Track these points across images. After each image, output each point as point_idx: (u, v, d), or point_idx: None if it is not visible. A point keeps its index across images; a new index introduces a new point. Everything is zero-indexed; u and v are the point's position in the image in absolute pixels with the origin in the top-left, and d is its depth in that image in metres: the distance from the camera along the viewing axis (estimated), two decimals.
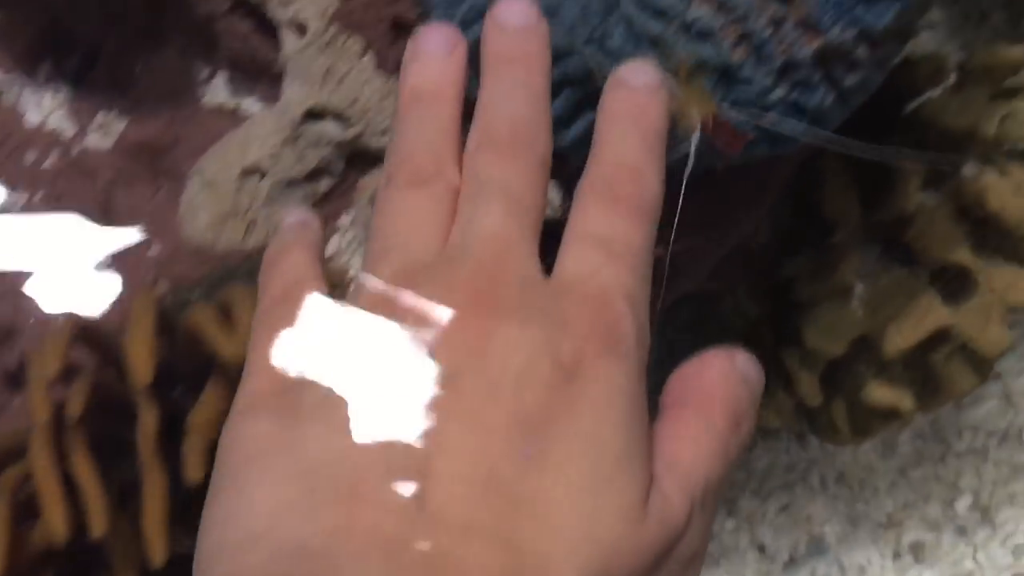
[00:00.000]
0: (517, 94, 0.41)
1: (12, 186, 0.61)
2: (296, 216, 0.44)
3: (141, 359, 0.47)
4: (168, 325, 0.50)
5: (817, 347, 0.66)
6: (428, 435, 0.32)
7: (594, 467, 0.33)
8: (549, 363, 0.34)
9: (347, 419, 0.33)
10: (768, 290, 0.70)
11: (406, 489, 0.31)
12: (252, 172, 0.58)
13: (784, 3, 0.49)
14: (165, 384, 0.51)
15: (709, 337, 0.78)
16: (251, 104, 0.60)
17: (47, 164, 0.61)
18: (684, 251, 0.61)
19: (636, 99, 0.41)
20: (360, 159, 0.58)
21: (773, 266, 0.69)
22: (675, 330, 0.79)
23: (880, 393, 0.67)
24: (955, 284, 0.69)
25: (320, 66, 0.56)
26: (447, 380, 0.33)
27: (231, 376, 0.49)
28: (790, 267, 0.68)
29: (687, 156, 0.47)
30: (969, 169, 0.69)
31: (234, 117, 0.60)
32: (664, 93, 0.42)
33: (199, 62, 0.61)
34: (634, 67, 0.42)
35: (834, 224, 0.67)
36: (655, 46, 0.49)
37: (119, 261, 0.57)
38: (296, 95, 0.56)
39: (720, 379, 0.38)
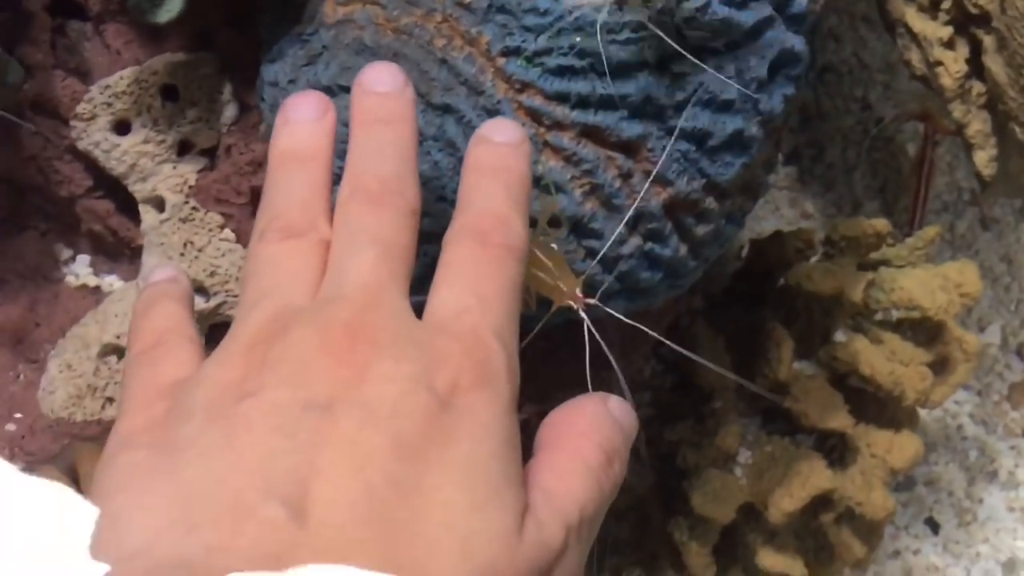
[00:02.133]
0: (386, 150, 0.41)
1: None
2: (165, 272, 0.44)
3: None
4: None
5: (705, 513, 0.64)
6: (306, 461, 0.32)
7: (470, 491, 0.34)
8: (425, 394, 0.34)
9: (223, 446, 0.33)
10: (655, 463, 0.70)
11: (285, 510, 0.31)
12: (111, 351, 0.57)
13: (630, 156, 0.50)
14: None
15: None
16: (113, 282, 0.60)
17: None
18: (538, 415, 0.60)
19: (499, 153, 0.42)
20: (221, 331, 0.57)
21: (656, 436, 0.68)
22: None
23: (771, 561, 0.66)
24: (837, 449, 0.69)
25: (179, 239, 0.56)
26: (323, 410, 0.33)
27: None
28: (671, 433, 0.67)
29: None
30: (840, 336, 0.70)
31: (97, 295, 0.59)
32: (526, 147, 0.43)
33: (60, 244, 0.61)
34: (497, 124, 0.44)
35: (710, 392, 0.67)
36: None
37: None
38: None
39: (593, 420, 0.40)
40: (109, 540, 0.32)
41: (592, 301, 0.46)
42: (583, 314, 0.46)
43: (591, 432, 0.39)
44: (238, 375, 0.35)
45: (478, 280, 0.39)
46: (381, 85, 0.43)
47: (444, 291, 0.39)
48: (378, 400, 0.34)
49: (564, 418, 0.40)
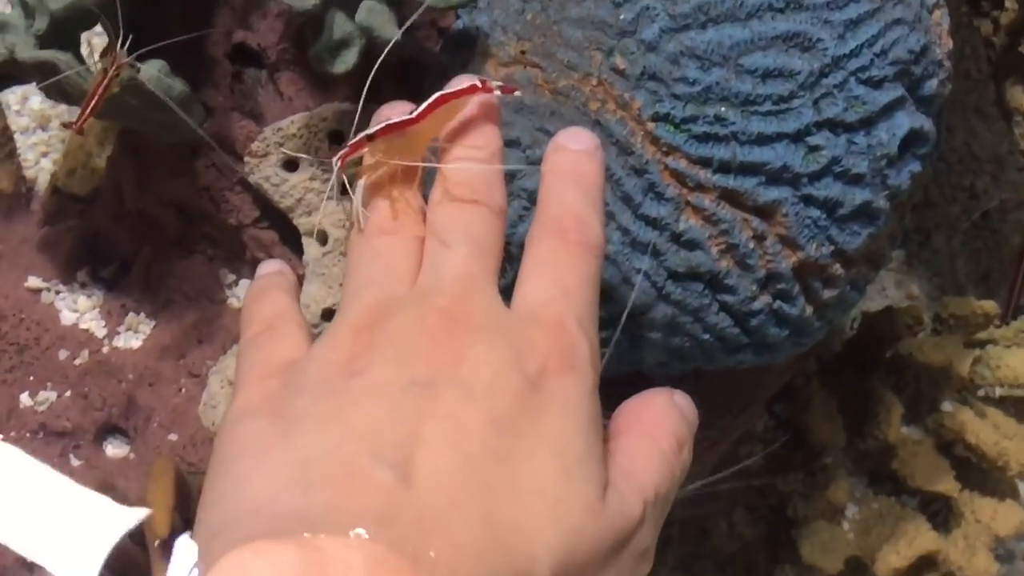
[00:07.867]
0: (473, 155, 0.44)
1: (43, 383, 0.65)
2: (272, 265, 0.48)
3: (157, 517, 0.50)
4: (185, 488, 0.53)
5: (813, 562, 0.67)
6: (411, 432, 0.35)
7: (559, 463, 0.36)
8: (516, 375, 0.37)
9: (335, 418, 0.36)
10: (764, 512, 0.72)
11: (393, 473, 0.34)
12: None
13: (764, 220, 0.54)
14: None
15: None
16: None
17: (77, 362, 0.65)
18: None
19: (575, 159, 0.44)
20: None
21: (767, 487, 0.71)
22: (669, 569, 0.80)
23: None
24: (941, 513, 0.71)
25: (339, 271, 0.60)
26: (425, 387, 0.36)
27: None
28: (783, 484, 0.70)
29: None
30: (947, 406, 0.72)
31: None
32: (600, 154, 0.45)
33: (225, 268, 0.66)
34: (572, 132, 0.45)
35: (821, 448, 0.69)
36: (647, 252, 0.53)
37: (138, 447, 0.60)
38: (316, 296, 0.60)
39: (663, 410, 0.43)
40: (234, 499, 0.36)
41: None
42: None
43: (662, 420, 0.42)
44: (346, 355, 0.38)
45: (561, 273, 0.41)
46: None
47: (530, 284, 0.41)
48: (475, 379, 0.37)
49: (636, 407, 0.43)
